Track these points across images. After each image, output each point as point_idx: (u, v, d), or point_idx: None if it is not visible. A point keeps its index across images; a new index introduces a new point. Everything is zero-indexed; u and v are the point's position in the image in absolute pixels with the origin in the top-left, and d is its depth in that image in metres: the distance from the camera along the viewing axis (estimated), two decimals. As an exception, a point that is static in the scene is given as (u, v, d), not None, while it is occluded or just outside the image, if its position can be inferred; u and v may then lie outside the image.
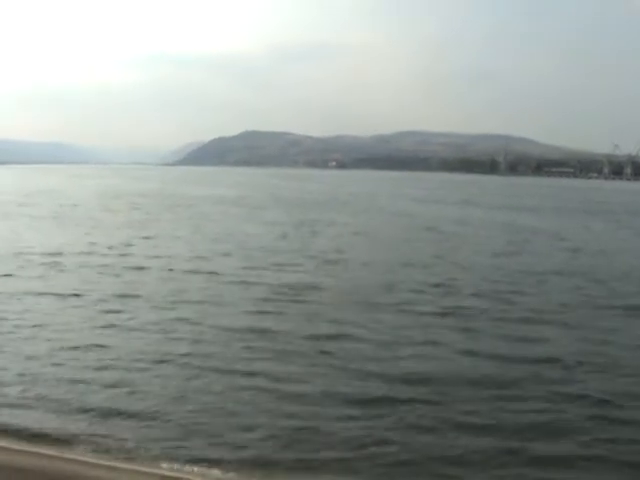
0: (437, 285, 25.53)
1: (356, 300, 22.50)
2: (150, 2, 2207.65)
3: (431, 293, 24.20)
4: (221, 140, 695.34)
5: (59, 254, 32.20)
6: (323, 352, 16.40)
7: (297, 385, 14.15)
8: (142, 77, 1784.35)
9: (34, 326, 18.51)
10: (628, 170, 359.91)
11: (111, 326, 18.60)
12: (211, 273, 27.51)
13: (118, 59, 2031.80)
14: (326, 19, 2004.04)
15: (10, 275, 26.41)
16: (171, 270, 28.22)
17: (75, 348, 16.44)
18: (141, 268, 28.57)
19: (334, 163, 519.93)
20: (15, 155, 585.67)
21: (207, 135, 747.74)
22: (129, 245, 36.38)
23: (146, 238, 39.85)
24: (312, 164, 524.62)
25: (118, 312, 20.26)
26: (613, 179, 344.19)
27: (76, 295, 22.51)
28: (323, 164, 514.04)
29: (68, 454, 10.99)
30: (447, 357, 16.29)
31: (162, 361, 15.47)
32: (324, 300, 22.49)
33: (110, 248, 34.72)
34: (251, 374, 14.73)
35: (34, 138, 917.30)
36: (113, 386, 13.94)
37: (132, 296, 22.57)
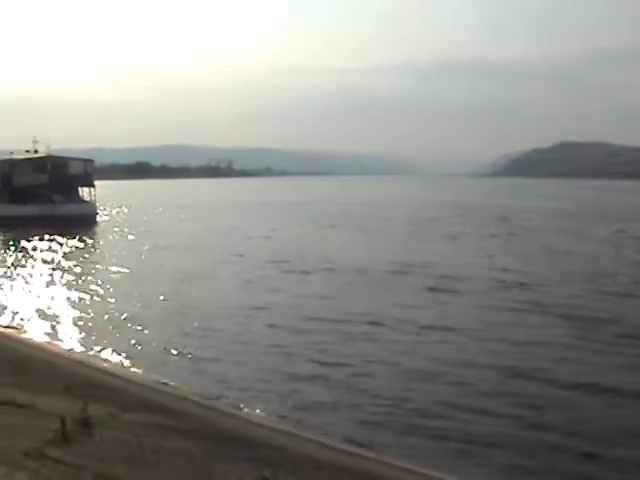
0: None
1: None
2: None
3: None
4: (535, 152, 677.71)
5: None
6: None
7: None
8: (450, 87, 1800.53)
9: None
10: None
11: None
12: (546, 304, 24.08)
13: (423, 69, 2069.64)
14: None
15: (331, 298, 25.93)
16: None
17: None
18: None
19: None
20: (331, 167, 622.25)
21: (521, 146, 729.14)
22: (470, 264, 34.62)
23: (474, 254, 38.79)
24: (635, 176, 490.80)
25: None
26: None
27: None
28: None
29: None
30: None
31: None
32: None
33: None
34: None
35: (351, 149, 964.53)
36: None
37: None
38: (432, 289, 27.20)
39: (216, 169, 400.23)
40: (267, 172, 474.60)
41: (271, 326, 20.90)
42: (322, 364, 16.76)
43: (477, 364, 16.72)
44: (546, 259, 37.26)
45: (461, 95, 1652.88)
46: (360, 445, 11.71)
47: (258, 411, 13.27)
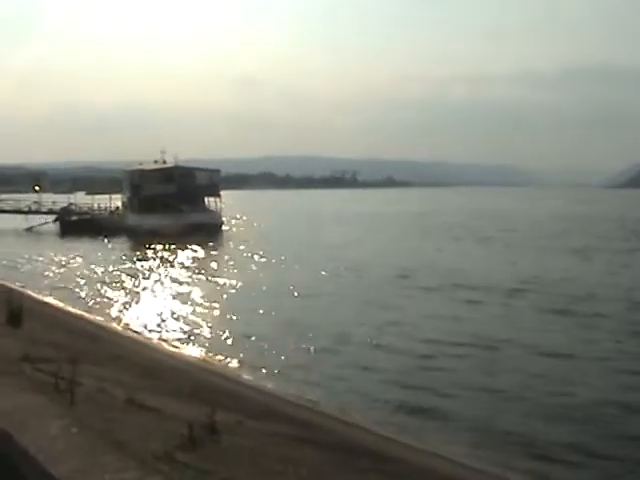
0: None
1: None
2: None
3: None
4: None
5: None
6: None
7: None
8: (573, 95, 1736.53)
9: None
10: None
11: None
12: None
13: (547, 78, 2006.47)
14: None
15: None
16: None
17: None
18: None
19: None
20: (451, 178, 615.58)
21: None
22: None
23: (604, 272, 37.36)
24: None
25: None
26: None
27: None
28: None
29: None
30: None
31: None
32: None
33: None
34: None
35: (478, 160, 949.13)
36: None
37: None
38: (561, 311, 25.58)
39: (339, 180, 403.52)
40: (389, 183, 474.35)
41: (392, 342, 20.60)
42: (444, 384, 16.41)
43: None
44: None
45: (586, 104, 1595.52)
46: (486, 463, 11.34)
47: (382, 424, 13.09)
